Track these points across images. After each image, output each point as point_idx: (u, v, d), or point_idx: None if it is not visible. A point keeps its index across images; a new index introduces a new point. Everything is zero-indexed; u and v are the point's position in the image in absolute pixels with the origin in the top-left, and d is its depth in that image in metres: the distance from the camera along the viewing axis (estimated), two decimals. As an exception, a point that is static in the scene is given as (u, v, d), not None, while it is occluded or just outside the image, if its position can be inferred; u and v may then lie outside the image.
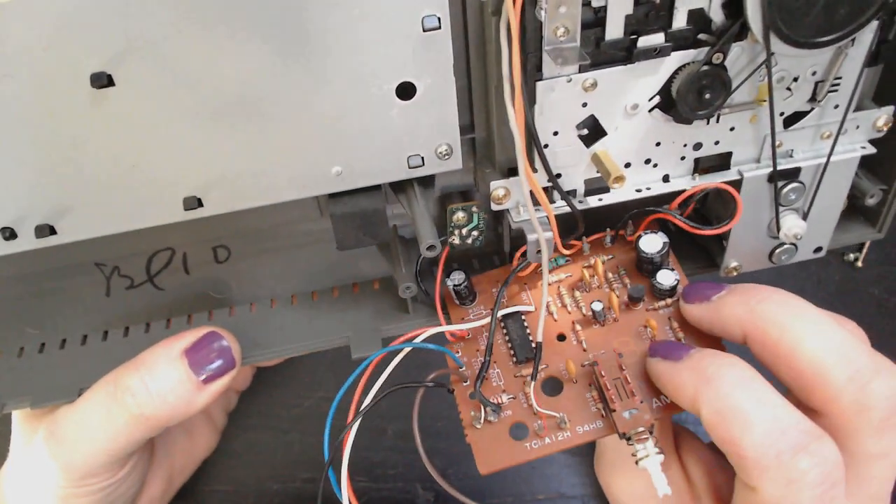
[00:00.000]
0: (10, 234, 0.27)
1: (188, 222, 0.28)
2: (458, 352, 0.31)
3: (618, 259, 0.32)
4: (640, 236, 0.31)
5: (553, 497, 0.43)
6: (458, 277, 0.32)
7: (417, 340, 0.30)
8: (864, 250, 0.46)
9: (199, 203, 0.28)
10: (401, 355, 0.30)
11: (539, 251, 0.28)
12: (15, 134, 0.25)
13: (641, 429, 0.27)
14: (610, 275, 0.32)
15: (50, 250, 0.28)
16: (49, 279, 0.32)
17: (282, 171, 0.27)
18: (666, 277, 0.30)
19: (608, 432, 0.28)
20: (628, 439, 0.27)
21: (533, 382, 0.29)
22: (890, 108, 0.30)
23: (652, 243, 0.30)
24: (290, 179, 0.28)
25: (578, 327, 0.31)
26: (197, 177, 0.27)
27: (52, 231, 0.27)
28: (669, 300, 0.30)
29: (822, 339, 0.25)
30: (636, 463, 0.27)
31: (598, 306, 0.30)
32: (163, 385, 0.30)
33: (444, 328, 0.31)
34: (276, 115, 0.26)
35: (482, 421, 0.29)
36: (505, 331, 0.31)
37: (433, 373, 0.30)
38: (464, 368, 0.30)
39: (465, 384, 0.30)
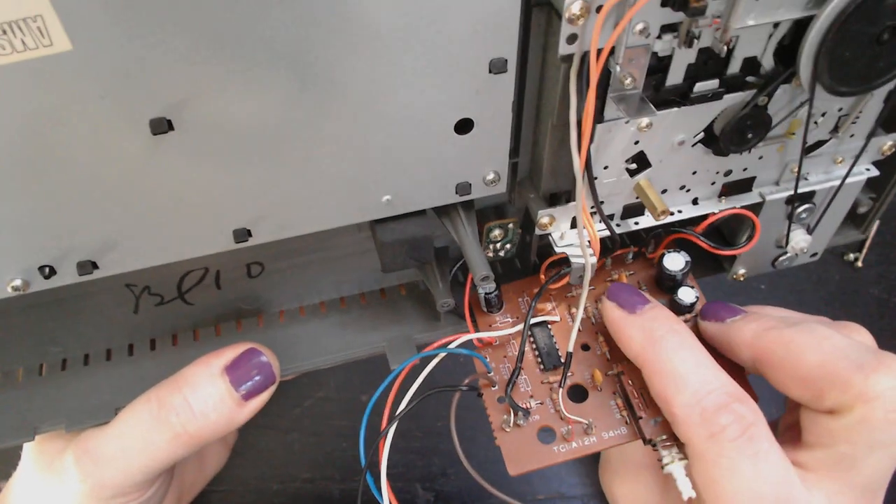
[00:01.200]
0: (50, 272, 0.26)
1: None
2: (486, 357, 0.32)
3: (638, 276, 0.34)
4: (663, 254, 0.33)
5: (553, 497, 0.45)
6: (489, 286, 0.33)
7: (451, 346, 0.31)
8: (864, 250, 0.47)
9: (249, 234, 0.27)
10: (435, 360, 0.31)
11: (581, 276, 0.30)
12: (66, 179, 0.23)
13: (665, 437, 0.29)
14: None
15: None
16: (74, 299, 0.31)
17: (333, 200, 0.27)
18: (686, 294, 0.32)
19: (632, 438, 0.30)
20: (653, 445, 0.29)
21: (561, 389, 0.31)
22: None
23: (675, 262, 0.32)
24: (340, 208, 0.28)
25: (602, 338, 0.33)
26: (248, 210, 0.27)
27: (95, 266, 0.26)
28: (688, 315, 0.32)
29: (826, 344, 0.26)
30: (662, 468, 0.29)
31: None
32: (206, 403, 0.30)
33: (477, 335, 0.32)
34: (333, 151, 0.26)
35: (511, 424, 0.30)
36: (532, 339, 0.33)
37: (467, 378, 0.31)
38: (492, 374, 0.32)
39: (493, 388, 0.32)
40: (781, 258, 0.35)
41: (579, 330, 0.33)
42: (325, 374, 0.48)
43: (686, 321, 0.32)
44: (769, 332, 0.28)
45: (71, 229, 0.25)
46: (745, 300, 0.51)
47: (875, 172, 0.33)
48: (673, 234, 0.33)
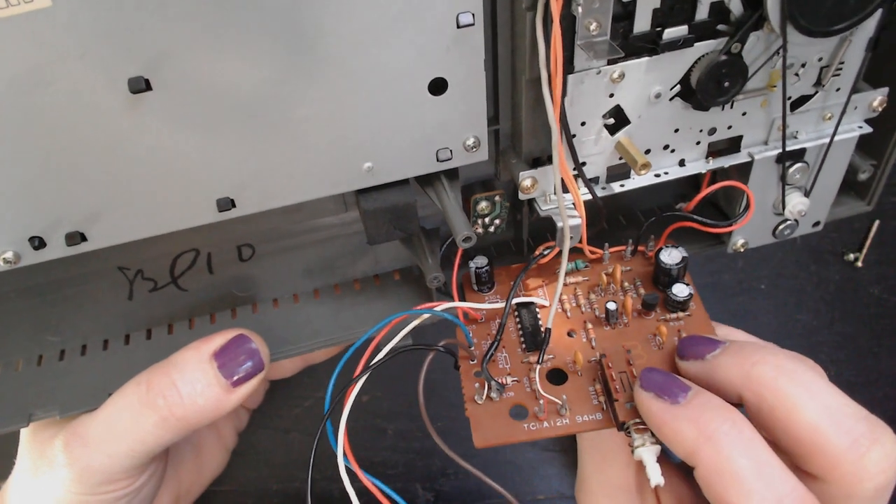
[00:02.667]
0: (40, 243, 0.27)
1: (215, 223, 0.28)
2: (469, 332, 0.32)
3: (635, 271, 0.34)
4: (660, 249, 0.32)
5: (553, 497, 0.44)
6: (480, 261, 0.33)
7: (436, 310, 0.30)
8: (864, 250, 0.47)
9: (233, 204, 0.28)
10: (418, 321, 0.31)
11: (568, 238, 0.29)
12: (49, 142, 0.24)
13: (639, 420, 0.27)
14: (626, 283, 0.33)
15: (74, 256, 0.27)
16: (70, 285, 0.32)
17: (314, 168, 0.28)
18: (681, 290, 0.31)
19: (606, 425, 0.29)
20: (627, 430, 0.28)
21: (538, 366, 0.30)
22: (885, 90, 0.31)
23: (672, 256, 0.32)
24: (323, 176, 0.28)
25: (589, 325, 0.32)
26: (230, 178, 0.27)
27: (83, 238, 0.27)
28: (681, 314, 0.31)
29: (820, 406, 0.24)
30: (632, 452, 0.27)
31: (612, 306, 0.31)
32: (193, 388, 0.30)
33: (462, 304, 0.32)
34: (310, 114, 0.26)
35: (484, 397, 0.29)
36: (518, 318, 0.32)
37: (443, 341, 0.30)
38: (473, 348, 0.31)
39: (472, 362, 0.31)
40: (782, 227, 0.35)
41: (567, 317, 0.32)
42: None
43: (678, 319, 0.31)
44: (757, 368, 0.26)
45: (57, 197, 0.26)
46: (745, 300, 0.51)
47: (868, 129, 0.32)
48: (670, 226, 0.32)
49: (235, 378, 0.30)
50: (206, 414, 0.30)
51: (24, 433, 0.33)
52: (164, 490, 0.36)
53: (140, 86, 0.24)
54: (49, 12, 0.22)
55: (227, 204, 0.28)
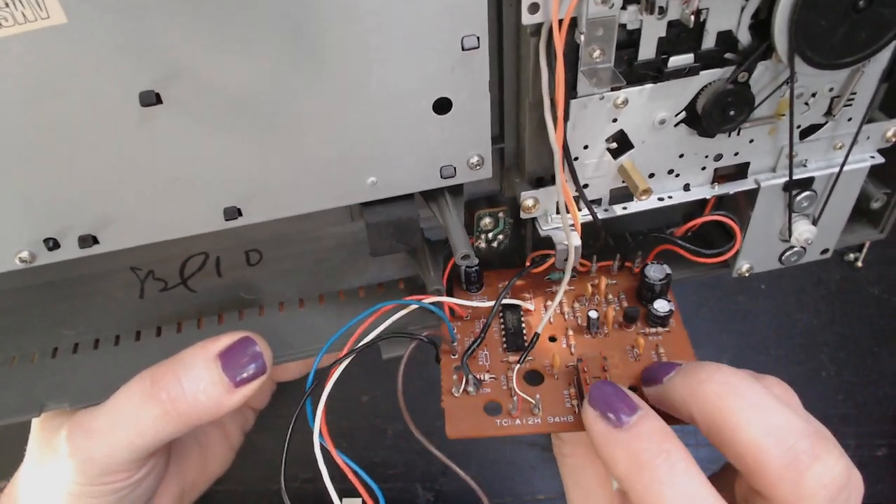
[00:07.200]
0: (54, 245, 0.28)
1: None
2: (454, 328, 0.32)
3: (620, 286, 0.34)
4: (646, 265, 0.33)
5: (553, 497, 0.44)
6: (470, 263, 0.34)
7: (423, 302, 0.32)
8: (864, 250, 0.47)
9: (239, 213, 0.28)
10: (406, 311, 0.32)
11: (566, 259, 0.30)
12: (64, 151, 0.25)
13: None
14: (610, 296, 0.34)
15: (88, 256, 0.28)
16: (85, 283, 0.33)
17: (320, 181, 0.28)
18: (662, 305, 0.32)
19: (577, 428, 0.29)
20: None
21: (518, 366, 0.31)
22: (899, 120, 0.31)
23: (656, 271, 0.32)
24: (327, 190, 0.29)
25: (571, 332, 0.33)
26: (237, 188, 0.28)
27: (95, 241, 0.28)
28: (661, 329, 0.32)
29: (761, 423, 0.24)
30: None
31: (593, 314, 0.32)
32: (196, 385, 0.30)
33: (450, 299, 0.32)
34: (317, 130, 0.27)
35: (461, 391, 0.30)
36: (502, 319, 0.33)
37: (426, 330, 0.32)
38: (455, 344, 0.32)
39: (453, 357, 0.32)
40: (788, 253, 0.34)
41: (550, 323, 0.33)
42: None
43: (657, 334, 0.32)
44: (703, 386, 0.26)
45: (71, 202, 0.27)
46: (745, 301, 0.50)
47: (880, 160, 0.32)
48: (657, 247, 0.33)
49: (238, 379, 0.31)
50: (206, 411, 0.31)
51: (35, 423, 0.34)
52: (168, 486, 0.37)
53: (151, 99, 0.24)
54: (65, 28, 0.23)
55: (233, 213, 0.28)
